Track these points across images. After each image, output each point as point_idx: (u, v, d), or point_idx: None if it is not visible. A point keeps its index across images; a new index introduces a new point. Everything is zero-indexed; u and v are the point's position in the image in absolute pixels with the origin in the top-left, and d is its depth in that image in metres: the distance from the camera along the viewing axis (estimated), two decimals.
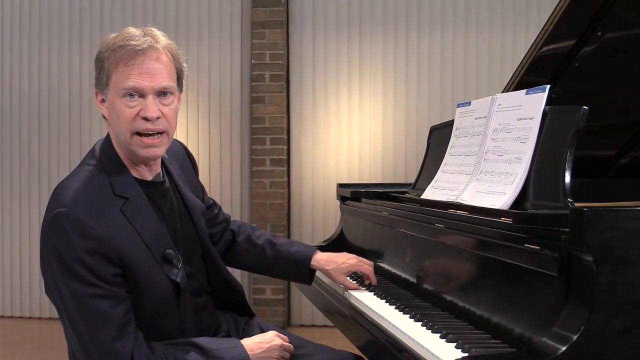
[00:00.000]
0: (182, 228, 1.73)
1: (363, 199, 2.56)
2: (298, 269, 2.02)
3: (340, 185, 2.81)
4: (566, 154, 1.51)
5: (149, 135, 1.56)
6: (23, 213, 5.22)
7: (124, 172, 1.59)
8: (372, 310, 1.81)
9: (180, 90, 1.66)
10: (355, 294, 2.00)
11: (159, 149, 1.59)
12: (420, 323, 1.62)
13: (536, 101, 1.70)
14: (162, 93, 1.56)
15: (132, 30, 1.57)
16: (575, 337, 1.21)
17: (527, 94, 1.76)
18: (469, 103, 2.09)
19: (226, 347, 1.66)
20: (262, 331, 1.89)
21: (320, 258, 2.03)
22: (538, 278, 1.35)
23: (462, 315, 1.64)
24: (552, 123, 1.64)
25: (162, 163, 1.74)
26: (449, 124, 2.19)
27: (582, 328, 1.22)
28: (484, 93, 4.53)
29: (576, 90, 2.09)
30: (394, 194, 2.45)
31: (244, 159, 5.01)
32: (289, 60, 4.97)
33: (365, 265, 2.07)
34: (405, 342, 1.55)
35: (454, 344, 1.44)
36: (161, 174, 1.71)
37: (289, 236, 4.95)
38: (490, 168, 1.80)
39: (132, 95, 1.53)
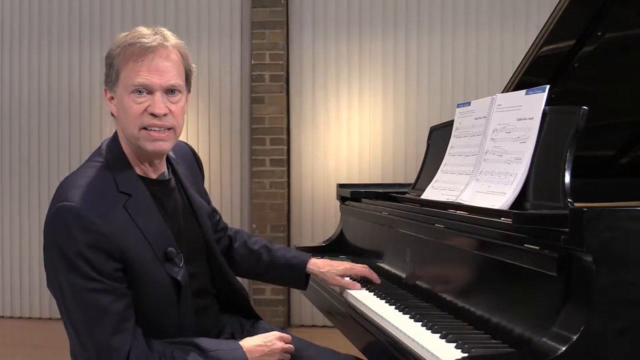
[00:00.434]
0: (185, 228, 1.73)
1: (363, 199, 2.56)
2: (294, 274, 2.04)
3: (340, 186, 2.81)
4: (566, 154, 1.51)
5: (157, 130, 1.57)
6: (23, 213, 5.22)
7: (128, 169, 1.60)
8: (372, 311, 1.81)
9: (189, 90, 1.68)
10: (355, 294, 2.00)
11: (166, 144, 1.60)
12: (420, 323, 1.62)
13: (536, 101, 1.70)
14: (170, 91, 1.58)
15: (143, 29, 1.59)
16: (575, 337, 1.21)
17: (527, 94, 1.75)
18: (468, 103, 2.09)
19: (226, 348, 1.66)
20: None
21: (316, 262, 2.06)
22: (538, 278, 1.35)
23: (462, 316, 1.64)
24: (552, 123, 1.64)
25: (169, 162, 1.75)
26: (449, 124, 2.19)
27: (582, 328, 1.22)
28: (484, 93, 4.53)
29: (576, 90, 2.09)
30: (394, 194, 2.45)
31: (244, 159, 5.01)
32: (288, 60, 4.97)
33: (359, 268, 2.08)
34: (405, 342, 1.55)
35: (454, 344, 1.44)
36: (166, 173, 1.72)
37: (288, 236, 4.95)
38: (490, 168, 1.80)
39: (140, 91, 1.55)
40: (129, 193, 1.56)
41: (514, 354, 1.37)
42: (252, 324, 1.93)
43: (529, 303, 1.39)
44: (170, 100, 1.58)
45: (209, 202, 1.96)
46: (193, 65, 1.67)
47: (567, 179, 1.48)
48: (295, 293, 4.86)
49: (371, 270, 2.09)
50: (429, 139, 2.48)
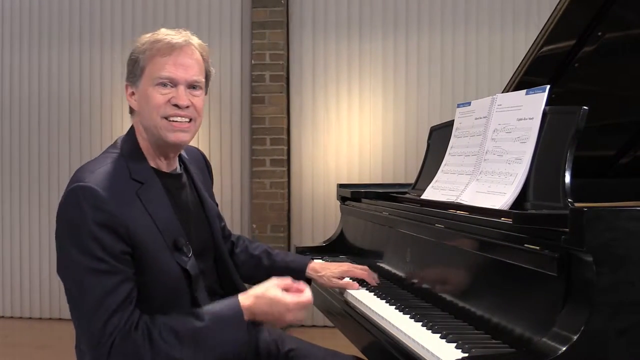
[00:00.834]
0: (195, 225, 1.75)
1: (363, 199, 2.56)
2: (294, 277, 2.03)
3: (340, 186, 2.81)
4: (566, 154, 1.51)
5: (178, 120, 1.63)
6: (23, 213, 5.22)
7: (142, 160, 1.65)
8: (372, 311, 1.81)
9: (206, 92, 1.73)
10: (355, 294, 2.00)
11: (186, 135, 1.65)
12: (421, 323, 1.62)
13: (536, 101, 1.70)
14: (192, 86, 1.65)
15: (167, 30, 1.67)
16: (575, 337, 1.21)
17: (527, 94, 1.76)
18: (469, 103, 2.09)
19: (223, 306, 1.62)
20: (269, 334, 1.92)
21: (315, 266, 2.07)
22: (538, 278, 1.35)
23: (462, 316, 1.64)
24: (552, 123, 1.64)
25: (182, 161, 1.80)
26: (449, 124, 2.19)
27: (582, 328, 1.22)
28: (484, 93, 4.53)
29: (576, 90, 2.10)
30: (394, 194, 2.45)
31: (244, 159, 5.01)
32: (289, 60, 4.97)
33: (357, 271, 2.08)
34: (405, 342, 1.55)
35: (454, 344, 1.44)
36: (178, 169, 1.76)
37: (289, 236, 4.95)
38: (490, 168, 1.80)
39: (165, 84, 1.61)
40: (141, 181, 1.60)
41: (514, 354, 1.37)
42: (253, 328, 1.93)
43: (529, 303, 1.40)
44: (192, 94, 1.65)
45: (217, 206, 1.97)
46: (212, 68, 1.74)
47: (567, 179, 1.49)
48: None
49: (371, 272, 2.09)
50: (429, 139, 2.48)
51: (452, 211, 1.83)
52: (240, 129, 4.97)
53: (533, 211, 1.54)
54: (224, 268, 1.84)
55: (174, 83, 1.62)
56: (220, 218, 2.03)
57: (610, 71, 2.07)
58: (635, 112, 2.14)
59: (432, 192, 2.10)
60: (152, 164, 1.67)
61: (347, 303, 2.01)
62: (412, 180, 2.55)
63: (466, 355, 1.36)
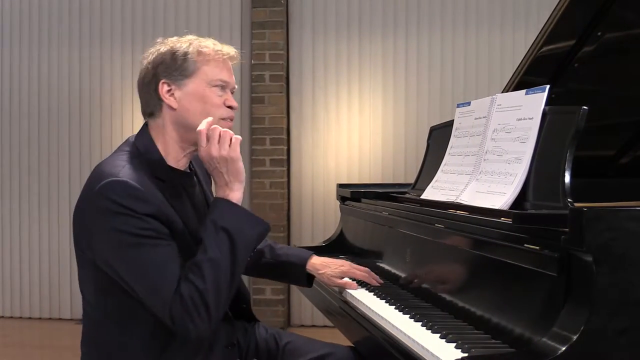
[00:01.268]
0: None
1: (363, 199, 2.56)
2: (295, 272, 2.08)
3: (340, 186, 2.81)
4: (566, 154, 1.51)
5: (229, 121, 1.76)
6: (23, 213, 5.22)
7: (160, 158, 1.68)
8: (372, 311, 1.81)
9: None
10: (354, 293, 2.00)
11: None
12: (420, 323, 1.62)
13: (536, 101, 1.70)
14: (233, 91, 1.77)
15: (197, 37, 1.74)
16: (575, 337, 1.21)
17: (526, 94, 1.75)
18: (468, 103, 2.09)
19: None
20: (266, 332, 1.97)
21: (315, 262, 2.08)
22: (538, 278, 1.35)
23: (462, 316, 1.64)
24: (551, 123, 1.64)
25: (189, 165, 1.84)
26: (449, 124, 2.19)
27: (581, 328, 1.22)
28: (484, 93, 4.52)
29: (576, 90, 2.10)
30: (394, 194, 2.45)
31: (244, 159, 4.97)
32: (288, 60, 4.97)
33: (358, 272, 2.08)
34: (405, 342, 1.55)
35: (454, 344, 1.44)
36: (189, 168, 1.81)
37: (288, 236, 4.95)
38: (490, 168, 1.80)
39: (222, 87, 1.72)
40: (163, 179, 1.64)
41: (514, 354, 1.37)
42: (252, 326, 1.96)
43: (529, 303, 1.39)
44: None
45: None
46: None
47: (567, 179, 1.48)
48: (295, 293, 4.86)
49: (371, 273, 2.09)
50: (429, 138, 2.47)
51: (451, 211, 1.83)
52: (240, 129, 4.97)
53: (533, 211, 1.54)
54: None
55: (226, 87, 1.72)
56: None
57: (610, 71, 2.07)
58: (635, 112, 2.14)
59: (432, 192, 2.10)
60: (169, 163, 1.70)
61: (346, 303, 2.01)
62: (412, 180, 2.55)
63: (466, 355, 1.36)
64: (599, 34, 1.92)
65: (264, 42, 4.89)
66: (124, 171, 1.57)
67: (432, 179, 2.15)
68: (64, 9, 5.15)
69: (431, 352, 1.41)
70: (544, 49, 2.00)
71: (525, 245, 1.39)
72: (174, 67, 1.67)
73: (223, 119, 1.72)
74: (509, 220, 1.48)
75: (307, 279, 2.10)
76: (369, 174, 4.86)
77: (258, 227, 1.64)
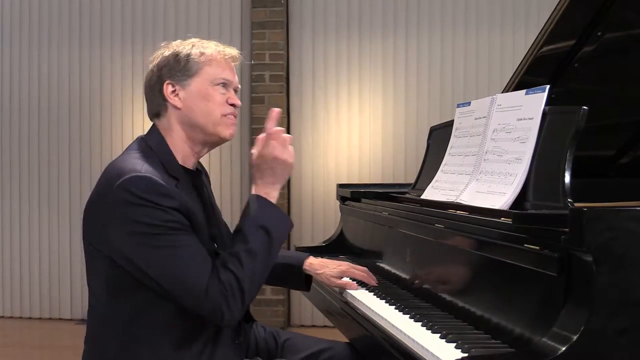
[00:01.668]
0: (214, 223, 1.82)
1: (363, 199, 2.56)
2: (292, 273, 2.07)
3: (340, 186, 2.81)
4: (566, 154, 1.51)
5: (233, 117, 1.77)
6: (23, 213, 5.22)
7: (172, 157, 1.71)
8: (372, 311, 1.81)
9: None
10: (354, 294, 2.00)
11: (235, 130, 1.79)
12: (420, 323, 1.62)
13: (536, 101, 1.70)
14: (236, 90, 1.80)
15: (199, 39, 1.78)
16: (575, 337, 1.21)
17: (526, 94, 1.75)
18: (468, 103, 2.09)
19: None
20: (265, 330, 1.98)
21: (313, 262, 2.08)
22: (538, 278, 1.35)
23: (462, 316, 1.64)
24: (552, 123, 1.64)
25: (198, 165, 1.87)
26: (449, 124, 2.19)
27: (581, 328, 1.22)
28: (484, 93, 4.52)
29: (576, 90, 2.10)
30: (394, 194, 2.45)
31: (244, 159, 5.00)
32: (288, 60, 4.97)
33: (357, 272, 2.09)
34: (405, 342, 1.55)
35: (454, 344, 1.44)
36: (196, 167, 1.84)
37: (288, 236, 4.95)
38: (490, 168, 1.80)
39: (224, 85, 1.75)
40: (176, 177, 1.66)
41: (514, 354, 1.37)
42: (250, 326, 1.96)
43: (529, 303, 1.39)
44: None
45: None
46: None
47: (567, 179, 1.48)
48: (296, 293, 4.86)
49: (369, 273, 2.09)
50: (429, 139, 2.47)
51: (451, 211, 1.83)
52: (240, 128, 4.97)
53: (533, 211, 1.54)
54: None
55: (229, 85, 1.76)
56: None
57: (610, 71, 2.07)
58: (635, 112, 2.14)
59: (432, 192, 2.10)
60: (180, 162, 1.73)
61: (347, 303, 2.01)
62: (412, 180, 2.55)
63: (466, 355, 1.36)
64: (599, 34, 1.92)
65: (264, 42, 4.89)
66: (145, 168, 1.59)
67: (432, 179, 2.15)
68: (64, 9, 5.15)
69: (431, 352, 1.41)
70: (544, 49, 2.00)
71: (525, 245, 1.39)
72: (177, 68, 1.72)
73: (226, 115, 1.74)
74: (509, 220, 1.48)
75: (306, 282, 2.10)
76: (369, 174, 4.86)
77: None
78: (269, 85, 4.89)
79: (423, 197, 2.13)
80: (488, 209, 1.66)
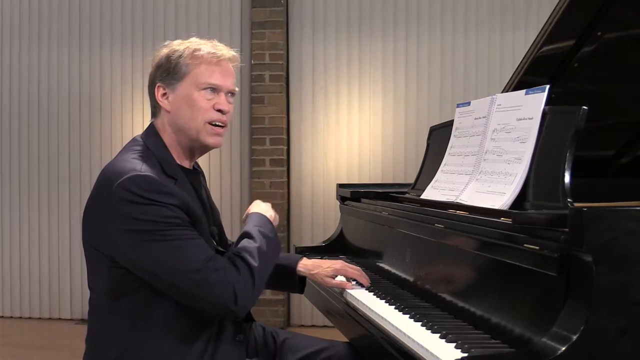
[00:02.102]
0: (212, 222, 1.82)
1: (363, 199, 2.56)
2: (285, 275, 2.05)
3: (340, 186, 2.81)
4: (566, 154, 1.51)
5: (219, 126, 1.74)
6: (23, 214, 5.21)
7: (170, 157, 1.72)
8: (372, 310, 1.81)
9: None
10: (354, 294, 2.00)
11: (222, 140, 1.78)
12: (420, 323, 1.62)
13: (536, 101, 1.70)
14: (230, 94, 1.77)
15: (199, 39, 1.77)
16: (575, 337, 1.21)
17: (526, 94, 1.75)
18: (468, 103, 2.09)
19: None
20: (264, 331, 1.98)
21: (307, 263, 2.08)
22: (538, 278, 1.35)
23: (461, 315, 1.64)
24: (551, 123, 1.64)
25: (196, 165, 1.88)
26: (449, 124, 2.19)
27: (581, 328, 1.22)
28: (484, 93, 4.52)
29: (576, 90, 2.09)
30: (394, 194, 2.45)
31: (243, 159, 5.00)
32: (288, 60, 4.97)
33: (350, 270, 2.08)
34: (404, 342, 1.55)
35: (454, 344, 1.44)
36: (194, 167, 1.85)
37: (288, 236, 4.95)
38: (489, 168, 1.80)
39: (212, 89, 1.72)
40: (174, 177, 1.67)
41: (514, 354, 1.36)
42: (249, 326, 1.95)
43: (529, 303, 1.39)
44: (229, 101, 1.76)
45: None
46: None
47: (567, 179, 1.48)
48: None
49: (362, 273, 2.08)
50: (428, 138, 2.47)
51: (451, 211, 1.83)
52: (240, 128, 4.97)
53: (533, 211, 1.54)
54: None
55: (218, 90, 1.72)
56: None
57: (610, 71, 2.07)
58: (635, 112, 2.14)
59: (432, 192, 2.10)
60: (177, 161, 1.74)
61: (346, 303, 2.01)
62: (412, 180, 2.55)
63: (465, 355, 1.36)
64: (599, 34, 1.92)
65: (263, 42, 4.89)
66: (145, 167, 1.60)
67: (432, 179, 2.15)
68: (64, 10, 5.15)
69: (431, 352, 1.41)
70: (544, 49, 2.00)
71: (525, 245, 1.39)
72: (168, 70, 1.72)
73: (211, 123, 1.72)
74: (508, 221, 1.48)
75: (300, 284, 2.08)
76: (369, 174, 4.86)
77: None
78: (269, 85, 4.89)
79: (423, 197, 2.13)
80: (488, 209, 1.66)
